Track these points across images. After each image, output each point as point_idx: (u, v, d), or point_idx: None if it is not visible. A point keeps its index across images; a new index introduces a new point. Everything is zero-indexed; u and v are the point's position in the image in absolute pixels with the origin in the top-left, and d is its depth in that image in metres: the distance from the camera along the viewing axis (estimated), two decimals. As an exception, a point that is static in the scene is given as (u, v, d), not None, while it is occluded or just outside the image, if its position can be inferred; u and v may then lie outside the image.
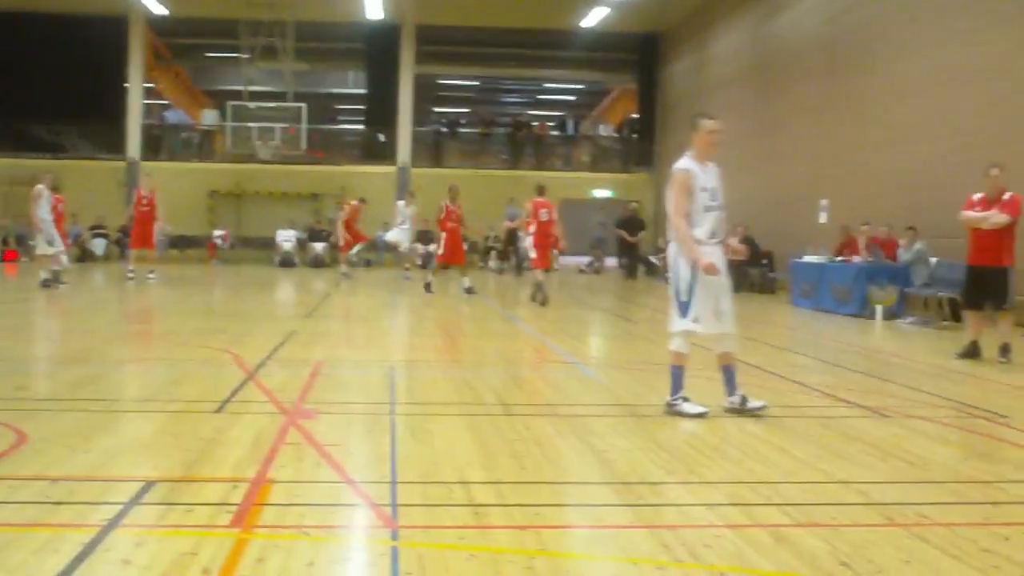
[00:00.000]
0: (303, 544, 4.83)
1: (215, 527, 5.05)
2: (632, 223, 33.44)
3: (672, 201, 8.38)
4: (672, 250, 8.57)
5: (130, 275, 24.14)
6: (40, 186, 21.52)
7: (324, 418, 7.99)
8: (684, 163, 8.39)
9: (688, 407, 8.39)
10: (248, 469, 6.20)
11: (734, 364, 8.68)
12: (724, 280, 8.49)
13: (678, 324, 8.41)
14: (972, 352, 12.73)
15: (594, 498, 5.90)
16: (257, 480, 5.96)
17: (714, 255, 8.35)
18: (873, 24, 22.77)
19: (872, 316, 18.22)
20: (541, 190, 21.25)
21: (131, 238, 25.46)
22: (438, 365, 11.35)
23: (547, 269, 21.64)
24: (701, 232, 8.33)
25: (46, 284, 21.12)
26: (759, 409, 8.43)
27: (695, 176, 8.30)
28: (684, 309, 8.38)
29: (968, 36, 19.06)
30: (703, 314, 8.34)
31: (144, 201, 24.51)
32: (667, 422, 8.15)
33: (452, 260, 22.69)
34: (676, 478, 6.27)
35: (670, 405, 8.49)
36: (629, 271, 32.82)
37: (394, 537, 5.00)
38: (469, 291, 21.95)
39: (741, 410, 8.46)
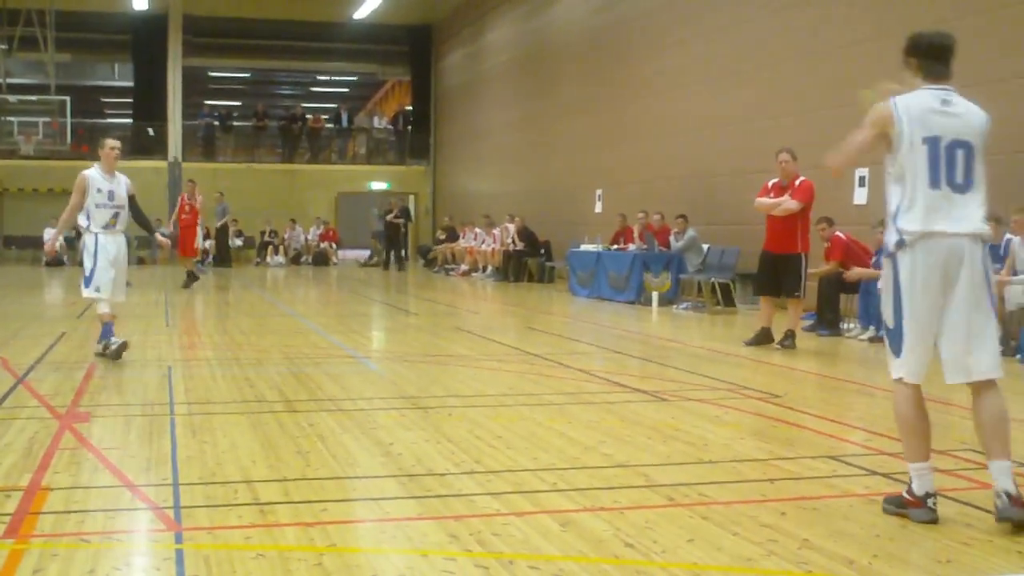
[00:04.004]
0: (83, 552, 4.67)
1: (-13, 538, 4.85)
2: (399, 216, 33.58)
3: (72, 198, 10.99)
4: (84, 238, 11.22)
5: None
6: None
7: (100, 421, 7.77)
8: (88, 171, 11.10)
9: (114, 341, 10.85)
10: (21, 477, 5.97)
11: (113, 319, 11.13)
12: (123, 262, 11.31)
13: (84, 292, 11.10)
14: (763, 339, 12.64)
15: (381, 491, 5.88)
16: (31, 488, 5.74)
17: (111, 240, 11.02)
18: (641, 15, 23.33)
19: (648, 303, 18.66)
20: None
21: None
22: (217, 363, 11.13)
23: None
24: (96, 225, 10.97)
25: None
26: (118, 347, 10.84)
27: (91, 180, 10.96)
28: (87, 282, 11.00)
29: (733, 27, 19.71)
30: (103, 284, 10.93)
31: None
32: (452, 413, 8.19)
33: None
34: (462, 468, 6.29)
35: (106, 347, 10.91)
36: (398, 263, 32.83)
37: (178, 540, 4.89)
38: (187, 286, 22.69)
39: (104, 354, 10.93)
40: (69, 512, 5.34)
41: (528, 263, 26.71)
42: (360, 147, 42.12)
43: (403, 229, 33.42)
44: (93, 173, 11.06)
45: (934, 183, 5.17)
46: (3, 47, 35.98)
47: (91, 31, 39.51)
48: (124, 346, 10.92)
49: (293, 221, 36.15)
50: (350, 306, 20.18)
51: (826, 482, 6.10)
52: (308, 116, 41.81)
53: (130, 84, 40.35)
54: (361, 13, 36.59)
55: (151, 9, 36.14)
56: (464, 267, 29.79)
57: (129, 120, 41.12)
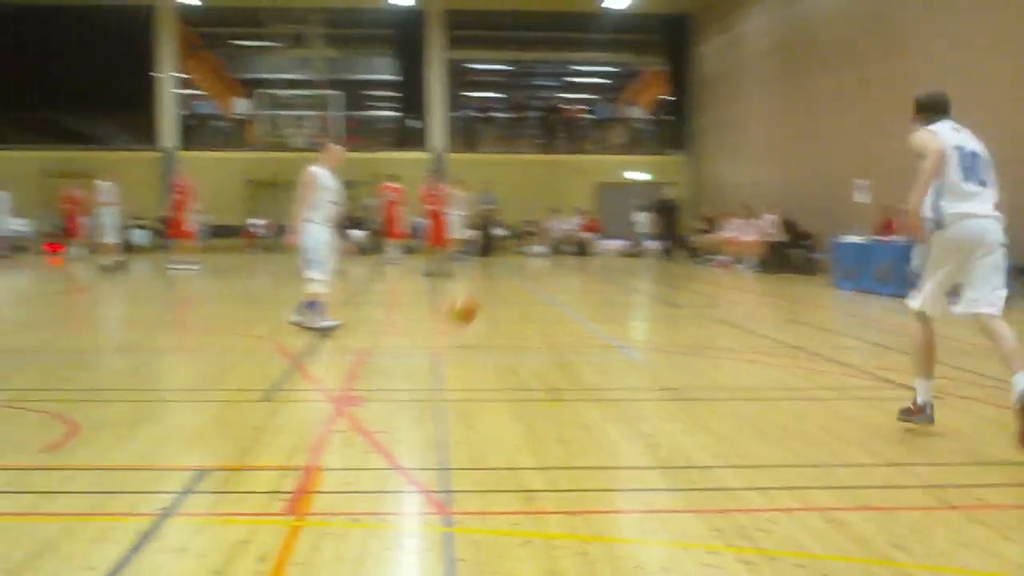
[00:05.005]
0: (356, 531, 4.84)
1: (268, 515, 5.08)
2: (665, 206, 33.57)
3: (300, 192, 11.98)
4: (306, 227, 11.98)
5: (171, 266, 24.34)
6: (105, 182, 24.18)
7: (371, 405, 8.00)
8: (314, 168, 12.13)
9: (324, 323, 12.20)
10: (298, 457, 6.22)
11: (317, 301, 12.29)
12: (335, 246, 12.38)
13: (307, 274, 12.06)
14: None
15: (644, 483, 5.88)
16: (308, 468, 5.97)
17: (325, 233, 12.10)
18: (910, 1, 22.54)
19: (915, 296, 17.97)
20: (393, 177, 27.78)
21: (169, 228, 26.01)
22: (480, 350, 11.34)
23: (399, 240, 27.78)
24: (319, 217, 11.99)
25: (108, 269, 23.28)
26: (329, 328, 12.25)
27: (318, 177, 12.02)
28: (310, 265, 12.01)
29: (1005, 11, 18.86)
30: (324, 270, 12.07)
31: (178, 189, 24.81)
32: (713, 406, 8.12)
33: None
34: (724, 462, 6.23)
35: (305, 325, 12.25)
36: (666, 253, 32.85)
37: (447, 523, 5.00)
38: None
39: (300, 324, 12.32)
40: (342, 492, 5.54)
41: (790, 254, 26.21)
42: (618, 137, 42.16)
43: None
44: (319, 171, 12.11)
45: (967, 179, 7.04)
46: (277, 45, 37.56)
47: (356, 27, 40.87)
48: (335, 327, 12.28)
49: (554, 211, 36.48)
50: (610, 295, 20.22)
51: (1115, 488, 5.76)
52: (565, 107, 42.07)
53: (394, 78, 41.43)
54: (616, 3, 36.53)
55: (413, 4, 37.09)
56: (724, 258, 29.48)
57: (394, 113, 42.25)
